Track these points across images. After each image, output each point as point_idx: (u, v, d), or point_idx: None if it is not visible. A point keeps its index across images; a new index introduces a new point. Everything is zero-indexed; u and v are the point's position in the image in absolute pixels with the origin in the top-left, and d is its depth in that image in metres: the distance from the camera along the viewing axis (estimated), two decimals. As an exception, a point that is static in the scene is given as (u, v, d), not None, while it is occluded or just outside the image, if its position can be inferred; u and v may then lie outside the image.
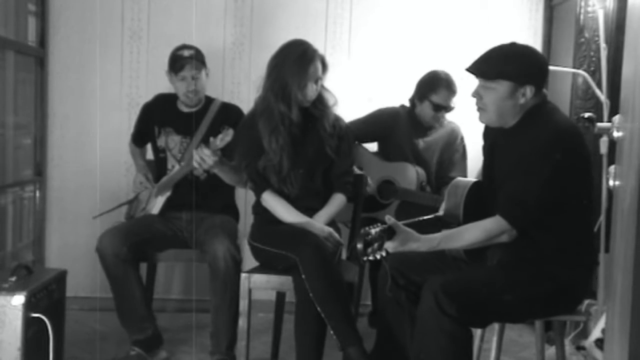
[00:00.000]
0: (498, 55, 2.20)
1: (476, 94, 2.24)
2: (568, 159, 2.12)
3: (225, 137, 2.68)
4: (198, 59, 3.04)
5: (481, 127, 2.42)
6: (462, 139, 3.41)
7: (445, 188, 3.24)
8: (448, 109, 3.30)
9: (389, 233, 2.08)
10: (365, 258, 2.02)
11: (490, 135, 2.39)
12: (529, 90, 2.17)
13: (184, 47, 3.07)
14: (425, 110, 3.32)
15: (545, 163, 2.10)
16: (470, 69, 2.23)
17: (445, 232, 2.20)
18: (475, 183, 2.36)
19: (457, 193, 2.33)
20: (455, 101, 3.32)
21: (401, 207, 3.23)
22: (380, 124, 3.36)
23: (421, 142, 3.37)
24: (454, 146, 3.38)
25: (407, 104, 3.42)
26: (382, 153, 3.44)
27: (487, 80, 2.19)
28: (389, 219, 2.11)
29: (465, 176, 3.35)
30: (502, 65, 2.17)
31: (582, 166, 2.20)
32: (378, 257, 2.05)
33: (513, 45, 2.23)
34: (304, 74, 2.63)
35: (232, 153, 2.80)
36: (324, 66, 2.71)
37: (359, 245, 2.00)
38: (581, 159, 2.19)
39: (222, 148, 2.69)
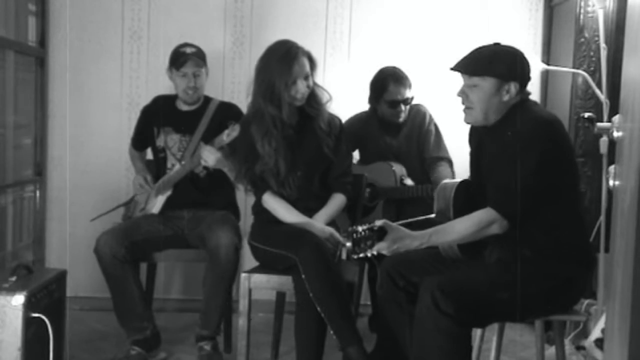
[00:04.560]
0: (482, 53, 2.25)
1: (462, 94, 2.26)
2: (552, 146, 2.16)
3: (232, 132, 2.70)
4: (200, 56, 3.07)
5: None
6: (430, 117, 3.38)
7: (434, 168, 3.22)
8: (405, 101, 3.30)
9: (379, 234, 2.09)
10: (355, 256, 2.05)
11: (476, 136, 2.40)
12: (513, 87, 2.21)
13: (187, 44, 3.10)
14: (384, 109, 3.32)
15: (530, 151, 2.12)
16: (455, 68, 2.26)
17: (436, 227, 2.22)
18: (461, 183, 2.40)
19: (446, 195, 2.36)
20: (411, 92, 3.30)
21: (386, 206, 3.24)
22: (353, 133, 3.37)
23: (394, 140, 3.37)
24: (424, 127, 3.36)
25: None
26: (362, 158, 3.46)
27: (472, 77, 2.21)
28: (379, 221, 2.12)
29: (447, 152, 3.35)
30: (487, 62, 2.21)
31: (566, 154, 2.23)
32: (368, 254, 2.07)
33: (497, 44, 2.29)
34: (289, 72, 2.60)
35: (230, 154, 2.81)
36: (312, 62, 2.69)
37: (348, 244, 2.03)
38: (564, 147, 2.23)
39: (229, 143, 2.72)
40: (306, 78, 2.66)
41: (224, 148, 2.78)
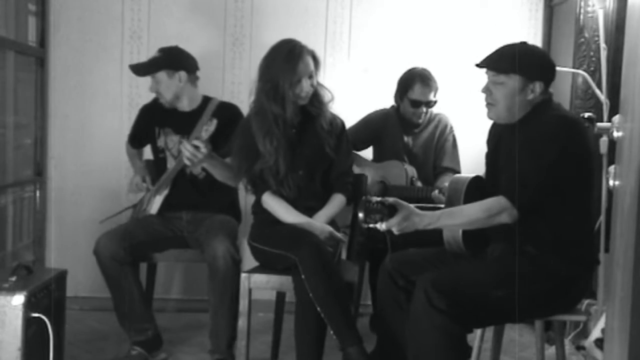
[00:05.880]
0: (510, 51, 2.25)
1: (486, 90, 2.27)
2: (572, 146, 2.16)
3: (209, 127, 2.69)
4: (154, 62, 3.05)
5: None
6: (451, 128, 3.43)
7: (439, 178, 3.27)
8: (428, 103, 3.32)
9: (390, 210, 2.10)
10: (365, 225, 2.07)
11: (495, 136, 2.41)
12: (538, 87, 2.22)
13: (158, 49, 3.09)
14: (405, 107, 3.35)
15: (549, 148, 2.14)
16: (482, 64, 2.27)
17: (446, 209, 2.22)
18: (474, 178, 2.39)
19: (457, 188, 2.35)
20: (436, 96, 3.33)
21: None
22: (372, 128, 3.40)
23: (412, 140, 3.40)
24: (443, 136, 3.41)
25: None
26: (375, 155, 3.46)
27: (499, 75, 2.22)
28: (389, 198, 2.13)
29: (458, 165, 3.40)
30: (513, 59, 2.20)
31: (584, 156, 2.23)
32: (378, 227, 2.09)
33: (524, 43, 2.30)
34: (293, 71, 2.61)
35: (229, 153, 2.79)
36: (316, 61, 2.69)
37: (360, 213, 2.05)
38: (584, 149, 2.22)
39: (211, 141, 2.69)
40: (310, 77, 2.66)
41: (208, 145, 2.70)
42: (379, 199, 2.09)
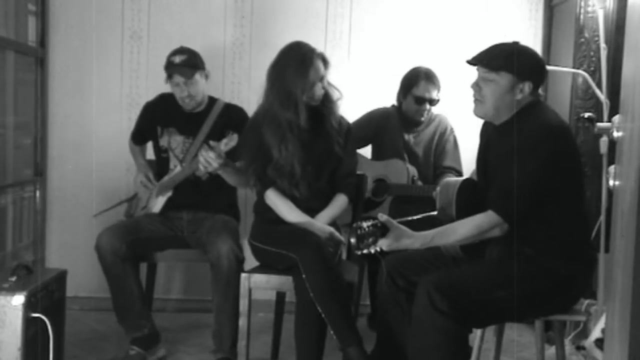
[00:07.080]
0: (502, 49, 2.25)
1: (475, 86, 2.26)
2: (557, 153, 2.16)
3: (229, 142, 2.68)
4: (190, 63, 3.01)
5: (475, 122, 2.43)
6: (451, 129, 3.44)
7: (440, 178, 3.28)
8: (431, 101, 3.33)
9: (382, 230, 2.09)
10: (358, 252, 2.05)
11: (486, 134, 2.41)
12: (527, 87, 2.22)
13: (177, 52, 3.05)
14: (409, 105, 3.36)
15: (535, 157, 2.14)
16: (473, 60, 2.26)
17: (438, 229, 2.22)
18: (465, 181, 2.40)
19: (449, 192, 2.36)
20: (439, 94, 3.35)
21: (394, 203, 3.26)
22: (373, 126, 3.41)
23: (412, 138, 3.41)
24: (444, 137, 3.42)
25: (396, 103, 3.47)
26: (375, 153, 3.47)
27: (489, 71, 2.22)
28: (382, 216, 2.12)
29: (460, 165, 3.41)
30: (505, 58, 2.21)
31: (571, 160, 2.23)
32: (372, 251, 2.08)
33: (516, 43, 2.29)
34: (306, 79, 2.62)
35: (238, 155, 2.79)
36: (325, 63, 2.70)
37: (352, 240, 2.03)
38: (570, 154, 2.23)
39: (226, 151, 2.69)
40: (321, 80, 2.68)
41: (223, 154, 2.72)
42: (370, 222, 2.07)
